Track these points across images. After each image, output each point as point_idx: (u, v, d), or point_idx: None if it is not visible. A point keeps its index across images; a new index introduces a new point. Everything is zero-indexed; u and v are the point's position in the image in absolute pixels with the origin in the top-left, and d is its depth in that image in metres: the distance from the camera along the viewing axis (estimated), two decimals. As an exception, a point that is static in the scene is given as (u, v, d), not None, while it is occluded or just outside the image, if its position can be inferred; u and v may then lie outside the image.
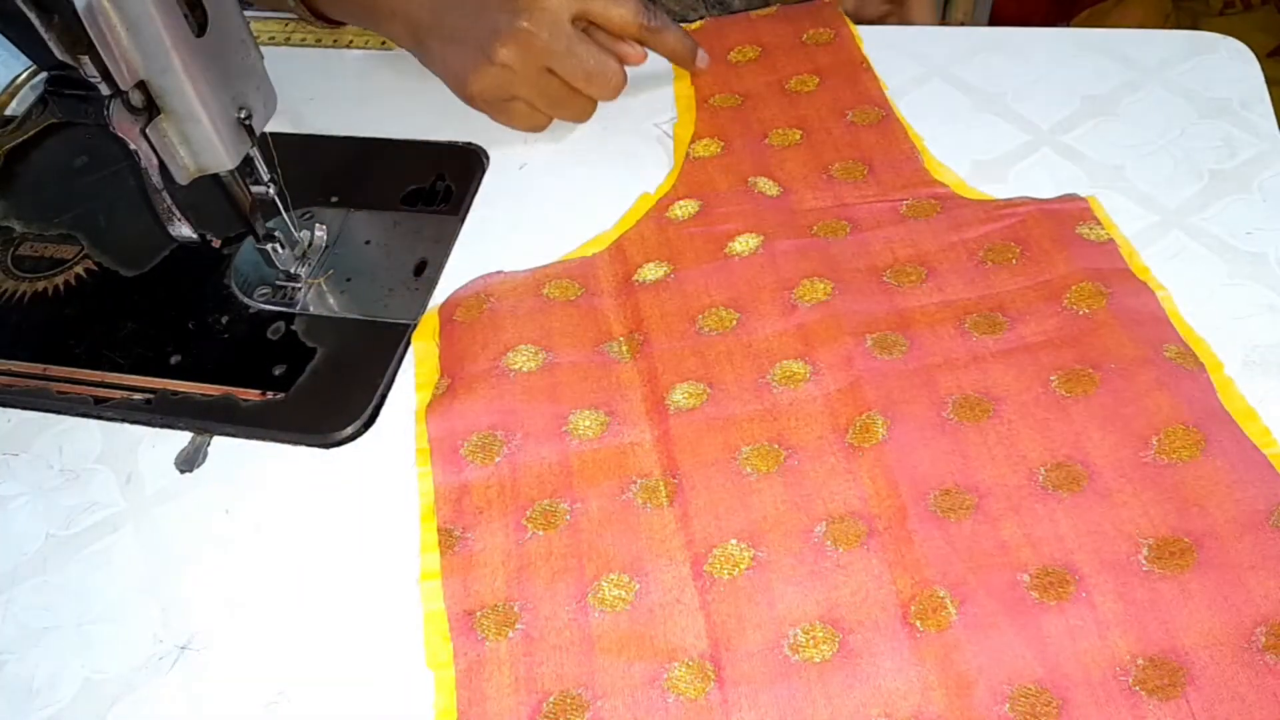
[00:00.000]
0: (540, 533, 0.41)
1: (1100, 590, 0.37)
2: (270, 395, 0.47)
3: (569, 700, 0.36)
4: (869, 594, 0.38)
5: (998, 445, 0.41)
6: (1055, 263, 0.46)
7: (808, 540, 0.39)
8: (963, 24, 1.07)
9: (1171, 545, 0.37)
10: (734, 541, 0.39)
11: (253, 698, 0.39)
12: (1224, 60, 0.56)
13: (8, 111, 0.58)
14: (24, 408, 0.49)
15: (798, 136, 0.54)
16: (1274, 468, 0.39)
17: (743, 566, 0.39)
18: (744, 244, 0.49)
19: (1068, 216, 0.48)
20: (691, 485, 0.41)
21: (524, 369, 0.45)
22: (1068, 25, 1.41)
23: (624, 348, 0.46)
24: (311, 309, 0.51)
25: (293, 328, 0.50)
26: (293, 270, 0.52)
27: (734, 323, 0.46)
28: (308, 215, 0.54)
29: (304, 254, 0.52)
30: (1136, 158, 0.52)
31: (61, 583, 0.43)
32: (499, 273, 0.50)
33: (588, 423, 0.44)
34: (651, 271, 0.49)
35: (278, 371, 0.48)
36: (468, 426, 0.44)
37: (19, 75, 0.60)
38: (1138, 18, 1.47)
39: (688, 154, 0.54)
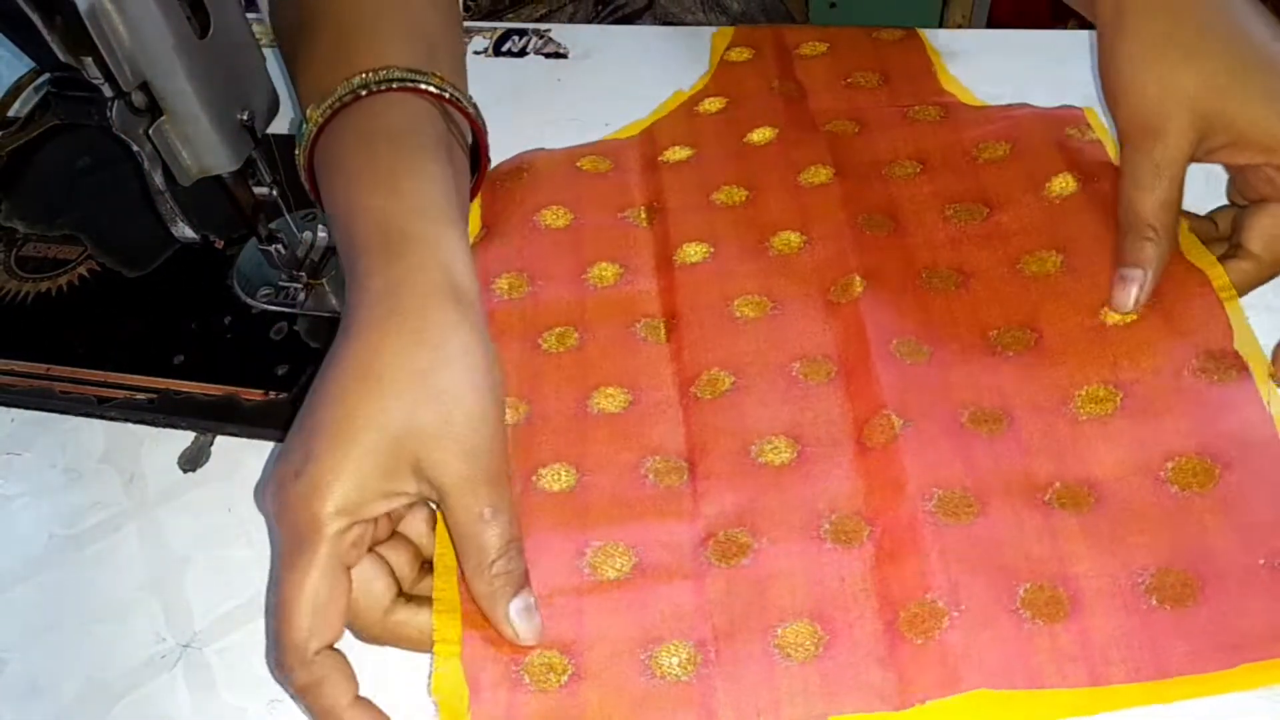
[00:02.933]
0: (554, 350, 0.46)
1: (1029, 429, 0.41)
2: (273, 395, 0.48)
3: (560, 471, 0.42)
4: (830, 417, 0.43)
5: (960, 310, 0.46)
6: (1040, 158, 0.50)
7: (783, 372, 0.44)
8: (961, 25, 1.08)
9: (1099, 394, 0.42)
10: (717, 369, 0.45)
11: (255, 696, 0.39)
12: (1222, 61, 0.56)
13: (11, 113, 0.58)
14: (27, 407, 0.49)
15: (824, 49, 0.59)
16: (1221, 307, 0.42)
17: (723, 389, 0.44)
18: (761, 135, 0.54)
19: (1060, 121, 0.51)
20: (688, 325, 0.47)
21: (554, 225, 0.51)
22: (1065, 27, 1.41)
23: (642, 214, 0.52)
24: (314, 309, 0.51)
25: (295, 328, 0.50)
26: (295, 271, 0.52)
27: (743, 198, 0.52)
28: (310, 216, 0.54)
29: (306, 255, 0.52)
30: (1135, 159, 0.52)
31: (64, 582, 0.43)
32: (540, 150, 0.55)
33: (605, 273, 0.49)
34: (676, 154, 0.54)
35: (280, 371, 0.48)
36: (500, 267, 0.49)
37: (22, 77, 0.60)
38: (1137, 19, 1.47)
39: (723, 58, 0.60)
